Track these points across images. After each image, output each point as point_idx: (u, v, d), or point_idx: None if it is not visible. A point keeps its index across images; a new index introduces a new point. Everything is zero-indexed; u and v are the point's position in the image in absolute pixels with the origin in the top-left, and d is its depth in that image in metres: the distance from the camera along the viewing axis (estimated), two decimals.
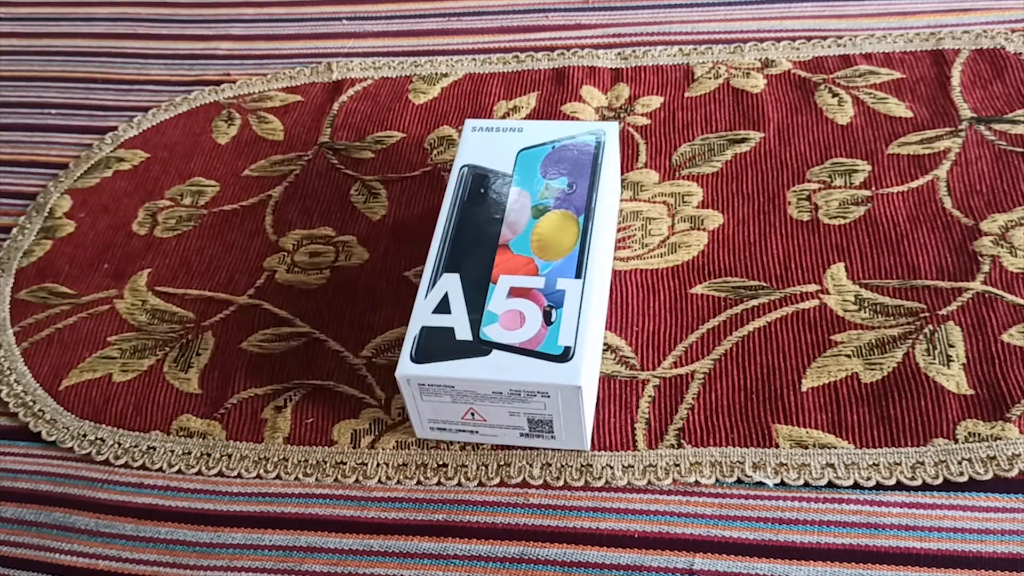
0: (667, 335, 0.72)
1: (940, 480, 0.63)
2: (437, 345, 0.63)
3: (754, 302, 0.73)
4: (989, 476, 0.63)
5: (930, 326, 0.70)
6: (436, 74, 0.96)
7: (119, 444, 0.72)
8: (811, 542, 0.61)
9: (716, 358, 0.71)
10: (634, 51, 0.95)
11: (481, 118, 0.91)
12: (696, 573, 0.61)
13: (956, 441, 0.64)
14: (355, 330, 0.76)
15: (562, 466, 0.67)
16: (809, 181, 0.81)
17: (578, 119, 0.89)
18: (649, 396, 0.69)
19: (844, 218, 0.78)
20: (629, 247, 0.78)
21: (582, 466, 0.66)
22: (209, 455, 0.71)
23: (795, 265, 0.75)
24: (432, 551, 0.64)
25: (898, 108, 0.85)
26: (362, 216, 0.84)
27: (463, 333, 0.63)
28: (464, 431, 0.67)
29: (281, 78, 0.99)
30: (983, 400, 0.66)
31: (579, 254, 0.67)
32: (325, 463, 0.69)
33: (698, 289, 0.75)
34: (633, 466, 0.66)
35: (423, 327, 0.64)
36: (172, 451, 0.71)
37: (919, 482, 0.63)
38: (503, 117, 0.91)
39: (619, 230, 0.79)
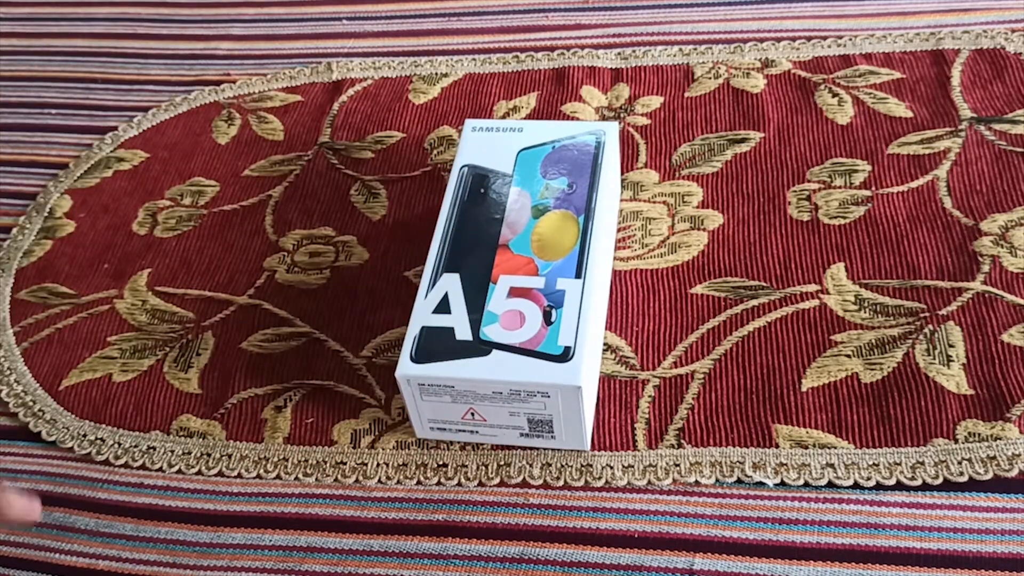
0: (667, 335, 0.72)
1: (940, 480, 0.63)
2: (437, 345, 0.63)
3: (754, 302, 0.73)
4: (989, 476, 0.63)
5: (930, 326, 0.70)
6: (436, 74, 0.96)
7: (119, 444, 0.72)
8: (811, 542, 0.61)
9: (716, 358, 0.71)
10: (634, 51, 0.95)
11: (481, 118, 0.91)
12: (696, 573, 0.61)
13: (956, 441, 0.64)
14: (355, 330, 0.76)
15: (562, 466, 0.67)
16: (809, 181, 0.81)
17: (578, 119, 0.89)
18: (649, 396, 0.69)
19: (844, 218, 0.78)
20: (629, 247, 0.78)
21: (582, 466, 0.66)
22: (209, 455, 0.71)
23: (795, 265, 0.75)
24: (432, 551, 0.64)
25: (898, 108, 0.85)
26: (362, 216, 0.84)
27: (463, 333, 0.63)
28: (464, 431, 0.67)
29: (281, 78, 0.99)
30: (983, 400, 0.66)
31: (579, 254, 0.67)
32: (325, 463, 0.69)
33: (698, 289, 0.75)
34: (633, 466, 0.66)
35: (423, 327, 0.64)
36: (172, 451, 0.71)
37: (919, 482, 0.63)
38: (503, 117, 0.91)
39: (619, 230, 0.79)
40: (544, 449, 0.68)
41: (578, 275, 0.65)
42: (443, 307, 0.65)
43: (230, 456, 0.70)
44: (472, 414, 0.65)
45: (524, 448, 0.68)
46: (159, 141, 0.95)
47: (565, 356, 0.61)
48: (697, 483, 0.65)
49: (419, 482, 0.67)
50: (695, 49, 0.94)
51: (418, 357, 0.63)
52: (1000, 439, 0.64)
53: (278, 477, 0.69)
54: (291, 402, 0.72)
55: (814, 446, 0.65)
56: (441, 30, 1.02)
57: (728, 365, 0.70)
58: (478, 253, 0.67)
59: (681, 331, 0.72)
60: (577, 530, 0.64)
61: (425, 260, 0.69)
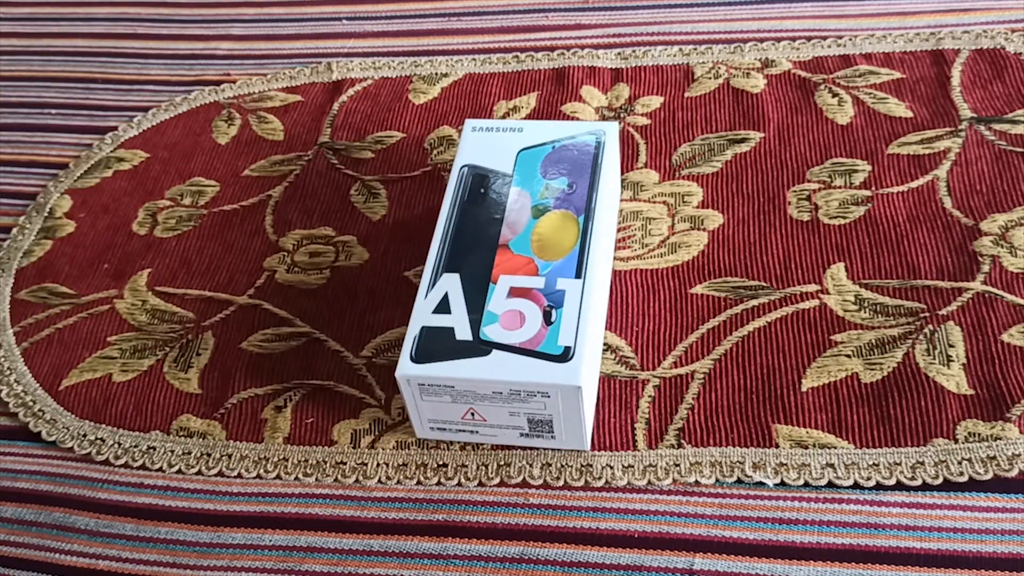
0: (667, 335, 0.72)
1: (940, 480, 0.63)
2: (437, 345, 0.63)
3: (754, 302, 0.73)
4: (989, 476, 0.63)
5: (930, 326, 0.70)
6: (436, 74, 0.96)
7: (119, 444, 0.72)
8: (811, 542, 0.61)
9: (716, 358, 0.71)
10: (634, 51, 0.95)
11: (481, 118, 0.91)
12: (696, 573, 0.61)
13: (956, 441, 0.64)
14: (355, 330, 0.76)
15: (562, 466, 0.67)
16: (809, 181, 0.81)
17: (578, 119, 0.89)
18: (649, 396, 0.69)
19: (844, 218, 0.78)
20: (629, 247, 0.78)
21: (582, 466, 0.66)
22: (209, 455, 0.71)
23: (795, 265, 0.75)
24: (432, 551, 0.64)
25: (898, 108, 0.85)
26: (362, 216, 0.84)
27: (463, 333, 0.63)
28: (464, 431, 0.67)
29: (281, 78, 0.99)
30: (983, 400, 0.66)
31: (579, 254, 0.67)
32: (325, 463, 0.69)
33: (698, 289, 0.75)
34: (633, 466, 0.66)
35: (423, 327, 0.64)
36: (172, 451, 0.71)
37: (919, 482, 0.63)
38: (503, 117, 0.91)
39: (619, 230, 0.79)
40: (544, 449, 0.68)
41: (578, 275, 0.65)
42: (443, 307, 0.65)
43: (230, 456, 0.70)
44: (472, 414, 0.65)
45: (524, 448, 0.68)
46: (159, 141, 0.95)
47: (565, 356, 0.61)
48: (697, 483, 0.65)
49: (419, 482, 0.67)
50: (695, 49, 0.94)
51: (418, 357, 0.63)
52: (1000, 439, 0.64)
53: (278, 477, 0.69)
54: (291, 402, 0.72)
55: (814, 446, 0.65)
56: (441, 30, 1.02)
57: (728, 365, 0.70)
58: (478, 253, 0.67)
59: (681, 331, 0.72)
60: (577, 530, 0.64)
61: (425, 260, 0.69)
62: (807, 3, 0.97)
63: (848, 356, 0.69)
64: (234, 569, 0.64)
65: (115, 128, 0.97)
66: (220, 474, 0.70)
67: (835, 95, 0.87)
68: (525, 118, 0.90)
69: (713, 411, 0.68)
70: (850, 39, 0.92)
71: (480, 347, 0.62)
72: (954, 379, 0.67)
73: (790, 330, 0.71)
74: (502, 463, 0.67)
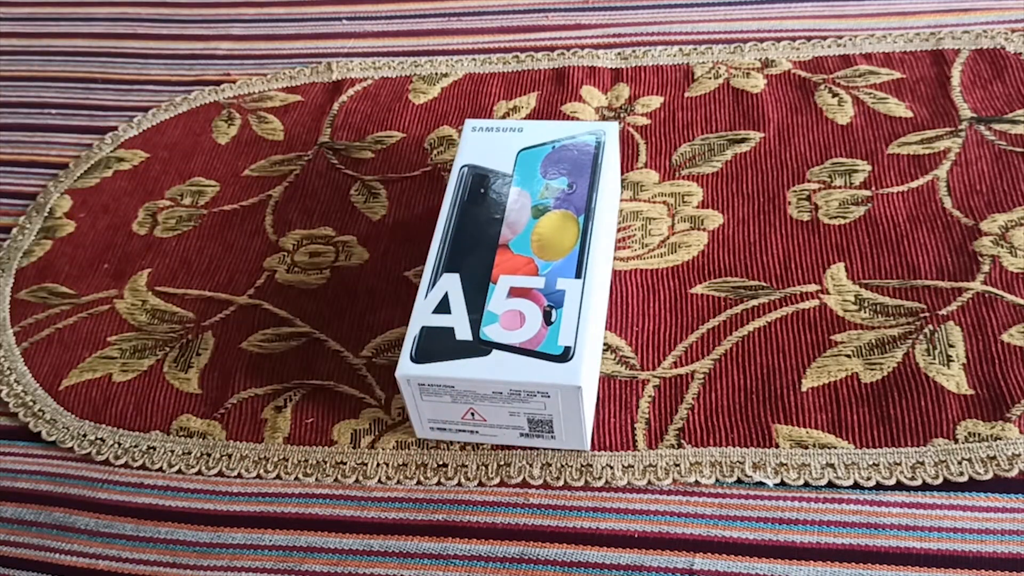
0: (667, 335, 0.72)
1: (940, 480, 0.63)
2: (437, 345, 0.63)
3: (754, 302, 0.73)
4: (989, 476, 0.63)
5: (930, 326, 0.70)
6: (436, 74, 0.96)
7: (119, 444, 0.72)
8: (811, 542, 0.61)
9: (716, 358, 0.71)
10: (634, 51, 0.95)
11: (481, 118, 0.91)
12: (696, 573, 0.61)
13: (956, 441, 0.64)
14: (355, 330, 0.76)
15: (562, 466, 0.67)
16: (809, 181, 0.81)
17: (578, 119, 0.89)
18: (649, 396, 0.69)
19: (844, 218, 0.78)
20: (629, 247, 0.78)
21: (582, 466, 0.66)
22: (209, 455, 0.71)
23: (795, 265, 0.75)
24: (432, 551, 0.64)
25: (898, 108, 0.85)
26: (362, 216, 0.84)
27: (463, 333, 0.63)
28: (464, 431, 0.67)
29: (281, 78, 0.99)
30: (983, 400, 0.66)
31: (579, 254, 0.67)
32: (325, 463, 0.69)
33: (698, 289, 0.75)
34: (633, 466, 0.66)
35: (423, 327, 0.64)
36: (172, 451, 0.71)
37: (919, 482, 0.63)
38: (503, 117, 0.91)
39: (619, 230, 0.79)
40: (544, 449, 0.68)
41: (578, 275, 0.65)
42: (443, 307, 0.65)
43: (230, 456, 0.70)
44: (472, 414, 0.65)
45: (524, 448, 0.68)
46: (159, 141, 0.95)
47: (565, 356, 0.61)
48: (697, 483, 0.65)
49: (419, 482, 0.67)
50: (695, 49, 0.94)
51: (418, 357, 0.63)
52: (1000, 439, 0.64)
53: (278, 477, 0.69)
54: (291, 402, 0.72)
55: (814, 446, 0.65)
56: (441, 30, 1.02)
57: (728, 365, 0.70)
58: (478, 253, 0.67)
59: (681, 331, 0.72)
60: (577, 530, 0.64)
61: (425, 260, 0.69)
62: (807, 3, 0.97)
63: (848, 356, 0.69)
64: (234, 569, 0.64)
65: (115, 128, 0.97)
66: (220, 474, 0.70)
67: (835, 95, 0.87)
68: (525, 118, 0.90)
69: (713, 411, 0.68)
70: (850, 39, 0.92)
71: (480, 347, 0.62)
72: (954, 379, 0.67)
73: (790, 330, 0.71)
74: (502, 463, 0.67)
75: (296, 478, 0.69)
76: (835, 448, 0.65)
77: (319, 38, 1.04)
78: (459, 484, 0.67)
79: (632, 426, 0.68)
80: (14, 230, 0.89)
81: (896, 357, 0.69)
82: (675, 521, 0.63)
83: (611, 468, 0.66)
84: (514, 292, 0.65)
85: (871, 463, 0.64)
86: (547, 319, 0.63)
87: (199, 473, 0.70)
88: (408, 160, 0.88)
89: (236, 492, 0.69)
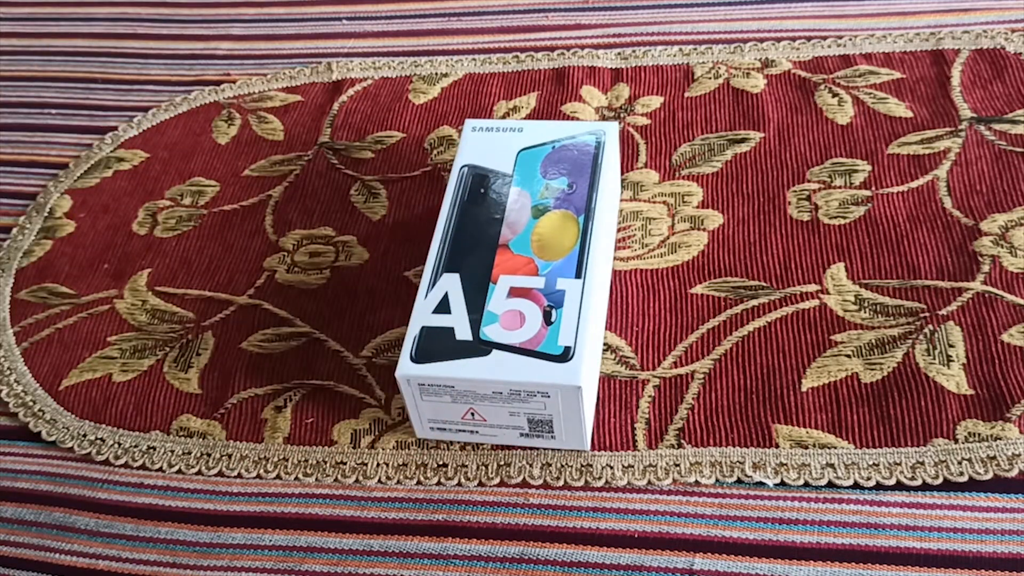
0: (667, 335, 0.72)
1: (940, 480, 0.63)
2: (437, 345, 0.63)
3: (754, 302, 0.73)
4: (989, 476, 0.63)
5: (930, 326, 0.70)
6: (436, 74, 0.96)
7: (119, 444, 0.72)
8: (811, 542, 0.61)
9: (716, 358, 0.71)
10: (634, 51, 0.95)
11: (481, 118, 0.91)
12: (696, 573, 0.61)
13: (956, 441, 0.64)
14: (355, 330, 0.76)
15: (562, 466, 0.67)
16: (809, 181, 0.81)
17: (578, 119, 0.89)
18: (649, 396, 0.69)
19: (844, 218, 0.78)
20: (629, 247, 0.78)
21: (582, 466, 0.66)
22: (209, 455, 0.71)
23: (795, 265, 0.75)
24: (432, 551, 0.64)
25: (898, 108, 0.85)
26: (362, 216, 0.84)
27: (463, 333, 0.63)
28: (464, 431, 0.67)
29: (281, 78, 0.99)
30: (983, 400, 0.66)
31: (579, 254, 0.67)
32: (325, 463, 0.69)
33: (698, 289, 0.75)
34: (633, 466, 0.66)
35: (423, 327, 0.64)
36: (172, 451, 0.71)
37: (919, 482, 0.63)
38: (503, 117, 0.91)
39: (619, 230, 0.79)
40: (544, 449, 0.68)
41: (578, 275, 0.65)
42: (443, 307, 0.65)
43: (230, 456, 0.70)
44: (472, 414, 0.65)
45: (524, 448, 0.68)
46: (159, 141, 0.95)
47: (565, 356, 0.61)
48: (697, 483, 0.65)
49: (419, 482, 0.67)
50: (695, 49, 0.94)
51: (418, 357, 0.63)
52: (1000, 439, 0.64)
53: (278, 477, 0.69)
54: (291, 402, 0.72)
55: (814, 446, 0.65)
56: (441, 30, 1.02)
57: (728, 365, 0.70)
58: (478, 253, 0.67)
59: (681, 331, 0.72)
60: (577, 530, 0.64)
61: (425, 260, 0.69)
62: (807, 3, 0.97)
63: (848, 356, 0.69)
64: (234, 569, 0.64)
65: (115, 128, 0.97)
66: (220, 474, 0.70)
67: (835, 95, 0.87)
68: (525, 118, 0.90)
69: (713, 411, 0.68)
70: (850, 39, 0.92)
71: (480, 347, 0.62)
72: (954, 379, 0.67)
73: (790, 330, 0.71)
74: (502, 463, 0.67)
75: (296, 478, 0.69)
76: (835, 448, 0.65)
77: (319, 38, 1.04)
78: (459, 484, 0.67)
79: (632, 426, 0.68)
80: (14, 230, 0.89)
81: (896, 357, 0.69)
82: (675, 521, 0.63)
83: (611, 468, 0.66)
84: (514, 292, 0.65)
85: (871, 463, 0.64)
86: (547, 319, 0.63)
87: (199, 473, 0.70)
88: (408, 160, 0.88)
89: (236, 492, 0.69)
